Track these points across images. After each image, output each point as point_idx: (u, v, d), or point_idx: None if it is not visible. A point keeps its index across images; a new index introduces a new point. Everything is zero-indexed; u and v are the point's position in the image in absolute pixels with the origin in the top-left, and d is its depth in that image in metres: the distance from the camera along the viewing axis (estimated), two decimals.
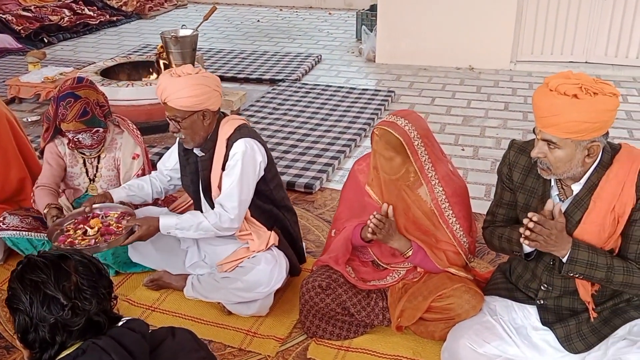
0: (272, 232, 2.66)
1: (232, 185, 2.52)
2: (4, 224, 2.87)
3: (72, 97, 2.76)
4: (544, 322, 2.18)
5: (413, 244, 2.41)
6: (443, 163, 2.42)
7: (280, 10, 9.56)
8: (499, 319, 2.24)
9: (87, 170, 3.01)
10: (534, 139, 2.03)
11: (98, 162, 3.00)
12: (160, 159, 3.97)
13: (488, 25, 6.12)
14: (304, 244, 2.96)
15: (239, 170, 2.51)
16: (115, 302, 1.54)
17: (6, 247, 2.96)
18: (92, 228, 2.58)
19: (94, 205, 2.68)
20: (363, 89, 5.60)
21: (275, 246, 2.65)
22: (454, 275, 2.41)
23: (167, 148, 4.23)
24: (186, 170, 2.74)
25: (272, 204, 2.72)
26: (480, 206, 3.25)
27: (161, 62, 5.08)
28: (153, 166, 3.18)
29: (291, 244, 2.77)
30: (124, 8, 9.15)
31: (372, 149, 2.41)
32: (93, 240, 2.52)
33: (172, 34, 4.91)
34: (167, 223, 2.56)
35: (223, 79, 5.79)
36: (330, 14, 9.21)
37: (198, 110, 2.49)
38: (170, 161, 2.85)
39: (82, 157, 2.98)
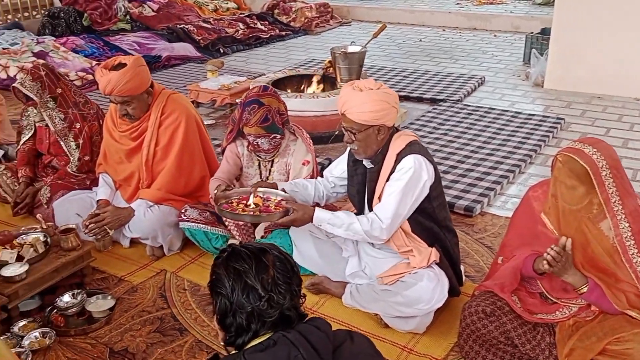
0: (433, 249, 2.63)
1: (391, 196, 2.54)
2: (185, 215, 3.12)
3: (256, 103, 2.95)
4: None
5: (589, 281, 2.26)
6: (632, 198, 2.24)
7: (443, 30, 9.50)
8: None
9: (260, 172, 3.19)
10: None
11: (271, 166, 3.17)
12: (321, 168, 4.13)
13: None
14: (462, 267, 2.90)
15: (402, 183, 2.52)
16: (303, 300, 1.60)
17: (184, 236, 3.22)
18: (253, 203, 2.74)
19: (259, 189, 2.83)
20: (529, 114, 5.37)
21: (437, 264, 2.62)
22: (634, 319, 2.21)
23: (328, 159, 4.40)
24: (353, 180, 2.80)
25: (433, 222, 2.69)
26: None
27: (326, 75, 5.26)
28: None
29: (451, 265, 2.72)
30: (292, 24, 9.63)
31: (552, 175, 2.29)
32: (252, 212, 2.68)
33: (342, 49, 5.08)
34: (321, 216, 2.63)
35: None
36: (495, 36, 8.98)
37: (375, 125, 2.53)
38: (337, 169, 2.94)
39: (258, 160, 3.17)
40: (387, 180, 2.59)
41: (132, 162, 3.29)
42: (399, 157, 2.57)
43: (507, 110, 5.50)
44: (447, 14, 9.98)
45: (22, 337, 2.57)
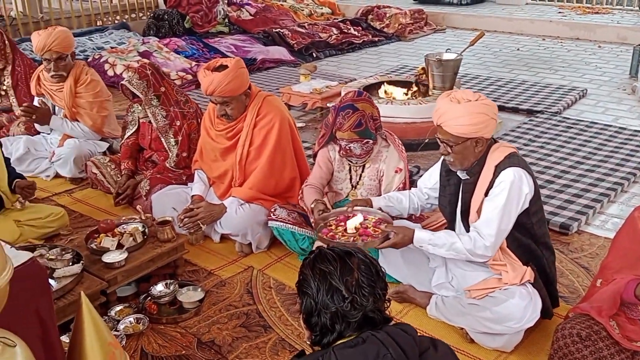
0: (528, 267, 2.53)
1: (493, 212, 2.46)
2: (274, 215, 3.19)
3: (351, 108, 2.96)
4: None
5: None
6: None
7: (543, 39, 9.16)
8: None
9: (351, 177, 3.20)
10: None
11: (362, 171, 3.17)
12: (410, 176, 4.08)
13: None
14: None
15: (503, 198, 2.44)
16: (388, 304, 1.61)
17: (272, 235, 3.28)
18: (352, 227, 2.74)
19: (355, 208, 2.84)
20: (635, 130, 5.06)
21: (530, 283, 2.52)
22: None
23: (417, 167, 4.35)
24: (445, 191, 2.75)
25: (531, 238, 2.59)
26: None
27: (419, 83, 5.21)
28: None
29: (546, 284, 2.61)
30: (385, 30, 9.61)
31: None
32: (352, 238, 2.68)
33: (436, 57, 5.01)
34: (422, 236, 2.60)
35: None
36: (599, 46, 8.55)
37: (472, 137, 2.48)
38: (430, 180, 2.89)
39: (349, 164, 3.18)
40: (485, 193, 2.52)
41: (226, 161, 3.40)
42: (498, 170, 2.50)
43: (610, 125, 5.22)
44: (547, 23, 9.62)
45: (118, 321, 2.71)
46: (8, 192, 3.33)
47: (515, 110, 5.75)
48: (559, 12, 10.39)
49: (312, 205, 2.96)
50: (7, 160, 3.43)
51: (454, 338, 2.61)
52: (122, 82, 3.73)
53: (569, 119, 5.44)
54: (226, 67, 3.19)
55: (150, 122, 3.77)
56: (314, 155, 3.29)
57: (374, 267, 1.60)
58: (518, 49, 8.55)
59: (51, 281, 2.64)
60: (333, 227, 2.81)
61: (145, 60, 6.68)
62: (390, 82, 5.54)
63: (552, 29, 9.45)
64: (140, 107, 3.81)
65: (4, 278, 1.13)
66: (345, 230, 2.75)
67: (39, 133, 4.41)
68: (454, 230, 2.71)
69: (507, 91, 6.32)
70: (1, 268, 1.14)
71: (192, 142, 3.75)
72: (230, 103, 3.24)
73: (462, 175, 2.62)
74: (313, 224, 2.87)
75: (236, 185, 3.38)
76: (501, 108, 5.78)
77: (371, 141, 3.02)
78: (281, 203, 3.29)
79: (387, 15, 9.93)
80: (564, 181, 4.12)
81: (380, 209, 2.87)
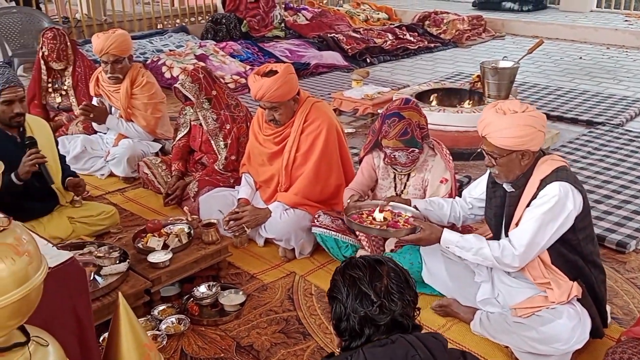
0: (575, 283, 2.42)
1: (528, 223, 2.38)
2: (318, 221, 3.17)
3: (397, 116, 2.92)
4: None
5: None
6: None
7: (607, 48, 8.82)
8: None
9: (395, 185, 3.15)
10: None
11: (407, 180, 3.12)
12: (460, 186, 3.99)
13: None
14: (608, 307, 2.64)
15: (542, 211, 2.35)
16: (418, 312, 1.64)
17: (315, 242, 3.27)
18: (380, 217, 2.77)
19: (391, 203, 2.85)
20: None
21: (578, 300, 2.41)
22: None
23: (468, 177, 4.25)
24: (491, 203, 2.67)
25: (578, 255, 2.48)
26: None
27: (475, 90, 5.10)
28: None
29: (595, 303, 2.49)
30: (442, 36, 9.47)
31: None
32: (379, 226, 2.71)
33: (492, 64, 4.88)
34: (450, 237, 2.56)
35: None
36: None
37: (518, 150, 2.39)
38: (476, 190, 2.82)
39: (394, 172, 3.13)
40: (528, 206, 2.44)
41: (273, 165, 3.41)
42: (543, 183, 2.41)
43: None
44: (612, 31, 9.26)
45: (161, 320, 2.75)
46: (62, 190, 3.44)
47: (574, 121, 5.56)
48: (625, 20, 9.99)
49: (348, 201, 2.97)
50: (62, 158, 3.54)
51: (498, 356, 2.52)
52: (175, 85, 3.80)
53: (631, 131, 5.20)
54: (276, 72, 3.20)
55: (201, 124, 3.82)
56: (360, 161, 3.26)
57: (404, 275, 1.63)
58: (580, 58, 8.27)
59: (97, 278, 2.71)
60: (364, 215, 2.84)
61: (201, 64, 6.81)
62: (443, 89, 5.46)
63: (617, 38, 9.10)
64: (192, 110, 3.87)
65: (38, 277, 1.16)
66: (375, 219, 2.76)
67: (96, 132, 4.55)
68: None
69: (567, 101, 6.11)
70: (36, 267, 1.16)
71: (241, 145, 3.78)
72: (279, 108, 3.25)
73: (508, 187, 2.54)
74: (344, 209, 2.90)
75: (282, 190, 3.38)
76: (559, 118, 5.61)
77: (417, 150, 2.97)
78: (325, 209, 3.27)
79: (445, 21, 9.80)
80: (623, 197, 3.93)
81: (416, 208, 2.85)
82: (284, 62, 7.35)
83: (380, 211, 2.80)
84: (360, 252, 3.11)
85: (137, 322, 1.71)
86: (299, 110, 3.32)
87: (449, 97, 5.40)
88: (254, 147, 3.50)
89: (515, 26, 10.19)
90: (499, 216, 2.63)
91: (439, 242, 2.59)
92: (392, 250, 3.04)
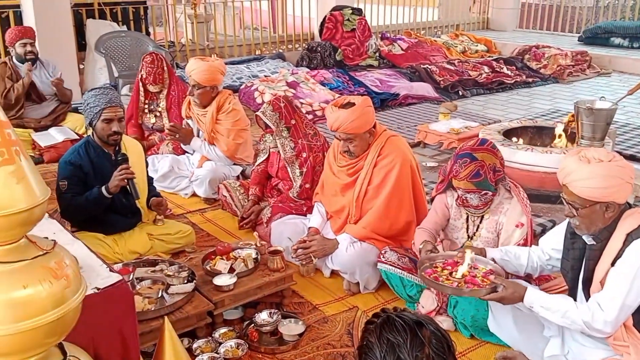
0: None
1: (619, 285, 2.21)
2: (384, 257, 3.12)
3: (469, 157, 2.83)
4: None
5: None
6: None
7: None
8: None
9: (468, 226, 3.05)
10: None
11: (480, 222, 3.01)
12: (542, 231, 3.80)
13: None
14: None
15: (633, 271, 2.18)
16: None
17: (381, 277, 3.22)
18: (460, 273, 2.61)
19: (466, 255, 2.68)
20: None
21: None
22: None
23: (552, 221, 4.04)
24: (569, 254, 2.51)
25: None
26: None
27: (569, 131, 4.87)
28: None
29: None
30: (542, 70, 9.16)
31: None
32: (456, 283, 2.55)
33: (587, 104, 4.64)
34: (534, 296, 2.41)
35: (634, 158, 5.22)
36: None
37: (602, 201, 2.25)
38: (554, 240, 2.66)
39: (467, 213, 3.03)
40: (612, 263, 2.27)
41: (344, 197, 3.41)
42: (630, 239, 2.24)
43: None
44: None
45: (220, 343, 2.80)
46: (146, 208, 3.62)
47: None
48: None
49: (421, 246, 2.87)
50: (149, 180, 3.74)
51: None
52: (256, 113, 3.92)
53: None
54: (353, 104, 3.22)
55: (279, 151, 3.90)
56: (431, 200, 3.18)
57: (446, 342, 1.45)
58: None
59: (165, 296, 2.81)
60: (439, 269, 2.70)
61: (291, 90, 6.99)
62: (535, 127, 5.25)
63: None
64: (271, 137, 3.97)
65: (75, 300, 1.22)
66: (451, 274, 2.63)
67: (184, 153, 4.77)
68: (575, 297, 2.47)
69: None
70: (74, 290, 1.22)
71: (316, 174, 3.82)
72: (354, 140, 3.25)
73: (588, 240, 2.38)
74: (418, 263, 2.78)
75: (352, 222, 3.37)
76: None
77: (489, 193, 2.86)
78: (393, 245, 3.22)
79: (546, 55, 9.48)
80: None
81: (493, 260, 2.70)
82: (374, 92, 7.42)
83: (456, 264, 2.66)
84: (425, 293, 3.03)
85: (181, 347, 1.75)
86: (373, 143, 3.31)
87: (541, 135, 5.18)
88: (328, 177, 3.52)
89: (623, 63, 9.66)
90: (576, 269, 2.47)
91: (522, 301, 2.44)
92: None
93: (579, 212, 2.30)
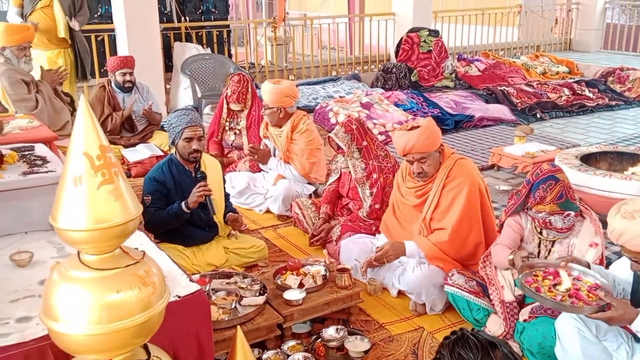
0: None
1: None
2: (450, 279, 3.15)
3: (553, 179, 2.85)
4: None
5: None
6: None
7: None
8: None
9: (539, 251, 3.03)
10: None
11: (552, 246, 2.99)
12: (619, 258, 3.69)
13: None
14: None
15: None
16: None
17: (447, 299, 3.24)
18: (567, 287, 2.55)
19: (570, 264, 2.66)
20: None
21: None
22: None
23: None
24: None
25: None
26: None
27: None
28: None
29: None
30: (626, 93, 8.82)
31: None
32: (559, 297, 2.49)
33: None
34: None
35: None
36: None
37: None
38: (621, 274, 2.64)
39: (539, 238, 3.01)
40: None
41: (413, 225, 3.46)
42: None
43: None
44: None
45: (288, 356, 2.91)
46: (222, 223, 3.82)
47: None
48: None
49: (512, 256, 2.85)
50: (227, 196, 3.94)
51: None
52: (329, 134, 4.06)
53: None
54: (419, 126, 3.31)
55: (350, 172, 4.02)
56: (501, 226, 3.19)
57: None
58: None
59: (238, 307, 2.97)
60: (539, 278, 2.65)
61: (365, 111, 7.10)
62: (615, 153, 5.10)
63: None
64: (343, 158, 4.09)
65: (160, 306, 1.37)
66: (554, 285, 2.58)
67: (260, 171, 4.97)
68: None
69: None
70: (159, 297, 1.38)
71: (386, 195, 3.89)
72: (427, 159, 3.32)
73: None
74: (517, 269, 2.75)
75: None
76: None
77: (572, 213, 2.85)
78: (461, 268, 3.24)
79: (630, 78, 9.12)
80: None
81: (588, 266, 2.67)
82: (448, 113, 7.41)
83: (558, 275, 2.60)
84: (492, 317, 3.03)
85: (252, 356, 1.87)
86: (441, 165, 3.36)
87: (621, 161, 5.03)
88: (397, 199, 3.59)
89: None
90: None
91: (630, 324, 2.40)
92: (525, 320, 2.92)
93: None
